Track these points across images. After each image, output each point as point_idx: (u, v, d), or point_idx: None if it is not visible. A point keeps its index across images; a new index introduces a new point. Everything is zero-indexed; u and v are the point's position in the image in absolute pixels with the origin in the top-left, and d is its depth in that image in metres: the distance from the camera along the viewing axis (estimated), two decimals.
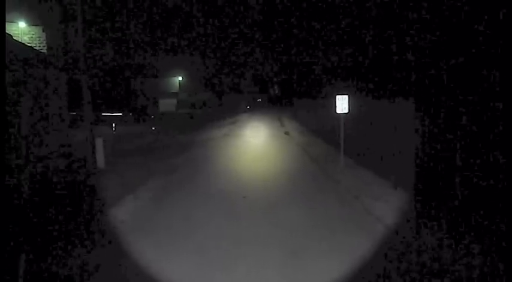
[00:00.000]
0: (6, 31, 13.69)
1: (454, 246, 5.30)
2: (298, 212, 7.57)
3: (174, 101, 48.88)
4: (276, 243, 5.96)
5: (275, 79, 47.59)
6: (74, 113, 11.02)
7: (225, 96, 53.68)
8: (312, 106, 23.74)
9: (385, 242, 5.86)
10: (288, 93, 40.49)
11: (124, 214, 7.60)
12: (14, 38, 10.84)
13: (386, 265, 5.07)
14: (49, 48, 16.00)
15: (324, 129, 18.23)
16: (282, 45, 39.52)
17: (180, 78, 51.23)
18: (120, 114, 35.40)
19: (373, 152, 10.80)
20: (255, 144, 19.23)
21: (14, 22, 15.89)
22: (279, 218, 7.19)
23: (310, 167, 12.60)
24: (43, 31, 16.25)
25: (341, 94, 12.61)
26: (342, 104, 12.39)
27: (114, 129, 25.03)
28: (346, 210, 7.67)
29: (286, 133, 23.31)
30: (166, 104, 46.49)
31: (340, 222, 6.86)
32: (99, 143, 11.93)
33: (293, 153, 15.81)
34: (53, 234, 6.27)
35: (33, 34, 16.24)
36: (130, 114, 37.43)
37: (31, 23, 15.71)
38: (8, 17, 15.68)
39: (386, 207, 7.50)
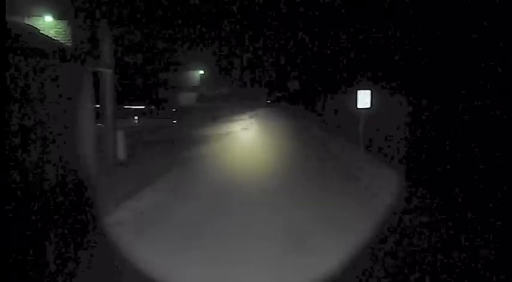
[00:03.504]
0: (33, 25, 14.04)
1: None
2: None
3: (194, 94, 49.24)
4: None
5: (294, 74, 47.16)
6: (99, 106, 11.23)
7: (245, 90, 53.77)
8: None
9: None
10: (309, 89, 39.55)
11: (142, 206, 7.77)
12: (41, 31, 11.08)
13: None
14: (74, 41, 16.34)
15: None
16: (303, 39, 39.24)
17: (202, 72, 51.52)
18: (143, 107, 35.89)
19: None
20: (274, 136, 19.28)
21: (41, 16, 16.27)
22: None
23: None
24: (68, 25, 16.60)
25: (363, 89, 12.57)
26: (364, 99, 12.35)
27: (136, 121, 25.42)
28: None
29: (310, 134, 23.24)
30: (187, 98, 46.83)
31: None
32: (120, 135, 12.17)
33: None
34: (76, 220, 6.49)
35: (59, 28, 16.61)
36: (152, 107, 37.89)
37: (57, 17, 16.05)
38: (34, 11, 16.09)
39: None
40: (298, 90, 46.61)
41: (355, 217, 6.92)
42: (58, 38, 14.84)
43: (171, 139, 17.91)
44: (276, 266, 5.04)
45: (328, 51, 30.87)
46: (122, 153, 12.09)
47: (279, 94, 54.70)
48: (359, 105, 12.35)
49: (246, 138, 19.06)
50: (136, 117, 25.97)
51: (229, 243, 5.88)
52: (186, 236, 6.21)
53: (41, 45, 8.51)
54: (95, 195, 8.13)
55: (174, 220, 6.96)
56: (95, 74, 10.44)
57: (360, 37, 23.68)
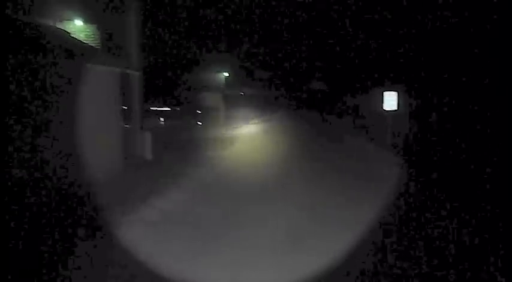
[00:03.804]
0: (63, 28, 14.50)
1: None
2: None
3: (219, 96, 49.58)
4: None
5: (318, 74, 46.74)
6: (126, 107, 11.54)
7: (269, 92, 53.77)
8: None
9: None
10: (335, 91, 38.45)
11: (167, 204, 7.94)
12: (72, 35, 11.47)
13: None
14: (103, 44, 16.78)
15: None
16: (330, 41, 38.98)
17: (226, 74, 51.86)
18: (168, 108, 36.35)
19: None
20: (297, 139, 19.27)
21: (71, 20, 16.77)
22: None
23: None
24: (98, 29, 17.06)
25: (389, 90, 12.53)
26: (390, 101, 12.31)
27: (162, 122, 25.84)
28: None
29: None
30: (212, 99, 47.20)
31: None
32: (147, 136, 12.45)
33: None
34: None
35: (88, 31, 17.08)
36: (178, 108, 38.33)
37: (87, 21, 16.49)
38: (64, 15, 16.59)
39: None
40: (322, 91, 46.17)
41: None
42: (87, 41, 15.25)
43: (196, 140, 18.15)
44: None
45: (351, 53, 30.69)
46: (148, 153, 12.35)
47: (303, 95, 54.44)
48: (385, 107, 12.30)
49: (269, 141, 19.13)
50: (161, 119, 26.38)
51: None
52: (206, 243, 6.35)
53: (72, 48, 8.82)
54: (122, 193, 8.37)
55: (198, 219, 7.10)
56: (123, 76, 10.74)
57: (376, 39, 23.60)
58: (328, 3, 36.27)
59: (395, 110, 13.05)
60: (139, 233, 6.34)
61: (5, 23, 7.72)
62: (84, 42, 12.50)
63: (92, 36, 17.15)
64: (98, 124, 9.03)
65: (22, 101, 6.36)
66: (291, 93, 53.04)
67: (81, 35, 15.74)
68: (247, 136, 19.99)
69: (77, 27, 16.59)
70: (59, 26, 15.25)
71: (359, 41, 28.90)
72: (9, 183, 6.06)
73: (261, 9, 47.20)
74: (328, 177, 10.49)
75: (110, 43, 16.50)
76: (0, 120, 5.97)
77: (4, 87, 6.06)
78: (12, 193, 6.11)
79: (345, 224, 6.51)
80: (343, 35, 33.34)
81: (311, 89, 48.41)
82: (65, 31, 11.63)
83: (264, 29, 49.21)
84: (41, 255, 5.34)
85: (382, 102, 13.29)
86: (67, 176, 7.28)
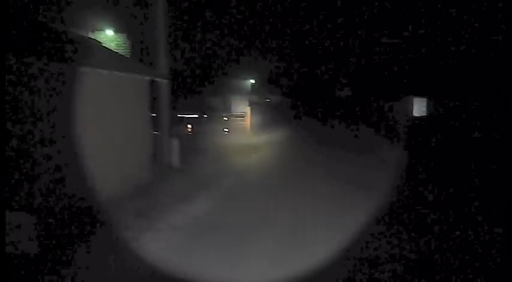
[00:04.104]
0: (95, 38, 14.90)
1: None
2: None
3: (246, 103, 49.75)
4: None
5: (343, 80, 46.28)
6: (154, 115, 11.73)
7: (296, 99, 53.63)
8: None
9: None
10: (362, 98, 37.64)
11: (195, 211, 8.01)
12: (104, 45, 11.81)
13: None
14: (133, 53, 17.17)
15: None
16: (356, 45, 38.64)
17: (252, 81, 52.07)
18: (196, 116, 36.74)
19: None
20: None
21: (102, 30, 17.27)
22: None
23: None
24: (128, 38, 17.48)
25: (419, 96, 12.39)
26: (420, 106, 12.19)
27: (189, 130, 26.09)
28: None
29: None
30: (239, 106, 47.48)
31: None
32: (175, 143, 12.60)
33: None
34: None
35: (119, 41, 17.54)
36: (205, 116, 38.70)
37: (118, 30, 16.94)
38: (97, 25, 17.10)
39: None
40: (349, 97, 45.56)
41: None
42: (118, 50, 15.65)
43: (223, 147, 18.25)
44: None
45: (378, 59, 30.36)
46: (176, 159, 12.50)
47: (329, 102, 54.02)
48: (415, 113, 12.14)
49: (295, 148, 19.07)
50: (189, 126, 26.66)
51: None
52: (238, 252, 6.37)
53: (109, 58, 9.06)
54: (152, 200, 8.50)
55: (226, 227, 7.13)
56: (151, 84, 10.93)
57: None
58: (353, 13, 36.09)
59: (424, 116, 12.83)
60: (167, 238, 6.43)
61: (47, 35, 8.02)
62: (114, 51, 12.82)
63: (122, 45, 17.61)
64: (128, 131, 9.21)
65: (51, 109, 6.55)
66: (318, 100, 52.83)
67: (111, 44, 16.18)
68: (273, 143, 19.98)
69: (108, 36, 17.06)
70: (92, 36, 15.73)
71: (386, 48, 28.58)
72: (43, 191, 6.25)
73: (289, 16, 47.31)
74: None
75: (139, 51, 16.86)
76: (32, 125, 6.17)
77: (34, 95, 6.27)
78: (45, 200, 6.30)
79: None
80: (370, 42, 33.03)
81: (338, 96, 47.98)
82: (97, 41, 11.96)
83: (290, 36, 49.28)
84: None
85: (412, 108, 13.08)
86: (97, 182, 7.44)
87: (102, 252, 5.72)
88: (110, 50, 11.61)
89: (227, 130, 27.16)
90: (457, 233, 6.64)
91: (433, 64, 20.04)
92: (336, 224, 7.08)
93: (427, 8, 21.66)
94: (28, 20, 9.18)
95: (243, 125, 31.78)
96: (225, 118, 38.74)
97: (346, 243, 5.91)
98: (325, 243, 6.01)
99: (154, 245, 6.13)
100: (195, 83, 46.56)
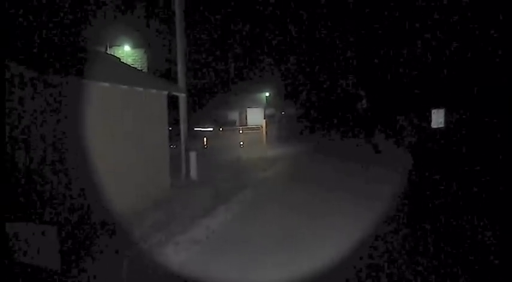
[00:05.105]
0: (114, 53, 15.15)
1: None
2: None
3: (261, 115, 49.90)
4: None
5: (362, 92, 46.05)
6: (170, 129, 11.80)
7: (311, 112, 53.55)
8: None
9: None
10: (378, 110, 36.73)
11: (216, 225, 7.98)
12: (122, 60, 12.00)
13: None
14: (150, 68, 17.39)
15: None
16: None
17: (267, 93, 52.24)
18: (211, 129, 36.94)
19: None
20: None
21: (120, 46, 17.59)
22: None
23: None
24: (145, 53, 17.74)
25: (436, 108, 12.25)
26: (438, 118, 12.04)
27: (205, 143, 26.19)
28: None
29: None
30: (254, 119, 47.61)
31: None
32: (192, 156, 12.65)
33: None
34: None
35: (136, 56, 17.82)
36: (220, 129, 38.88)
37: (135, 46, 17.21)
38: (115, 41, 17.43)
39: None
40: (365, 109, 45.24)
41: None
42: (135, 65, 15.88)
43: (238, 160, 18.25)
44: None
45: (394, 73, 30.25)
46: (194, 172, 12.53)
47: (345, 114, 53.74)
48: (433, 125, 12.01)
49: (310, 162, 18.98)
50: (205, 139, 26.81)
51: None
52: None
53: (129, 74, 9.17)
54: (171, 214, 8.50)
55: (245, 241, 7.07)
56: (168, 98, 11.02)
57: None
58: (370, 26, 36.22)
59: (442, 127, 12.66)
60: (188, 250, 6.41)
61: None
62: (132, 66, 13.00)
63: (139, 60, 17.88)
64: (146, 146, 9.27)
65: (69, 125, 6.63)
66: (334, 113, 52.63)
67: (129, 60, 16.45)
68: (288, 156, 19.91)
69: (126, 52, 17.35)
70: (110, 51, 16.02)
71: (402, 61, 28.53)
72: (60, 204, 6.30)
73: (304, 30, 47.60)
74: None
75: (156, 66, 17.07)
76: (51, 140, 6.24)
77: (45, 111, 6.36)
78: (63, 214, 6.34)
79: None
80: (388, 56, 32.99)
81: (355, 108, 47.68)
82: (115, 57, 12.16)
83: (306, 49, 49.47)
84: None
85: (430, 119, 12.93)
86: (116, 196, 7.48)
87: (119, 266, 5.71)
88: (128, 65, 11.78)
89: (242, 143, 27.19)
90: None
91: (451, 76, 19.94)
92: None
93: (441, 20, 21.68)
94: (47, 37, 9.39)
95: (259, 137, 31.78)
96: (240, 131, 38.93)
97: None
98: None
99: (175, 258, 6.12)
100: (211, 96, 47.02)
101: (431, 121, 12.15)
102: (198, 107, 41.98)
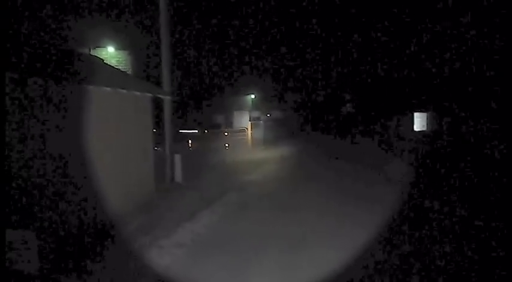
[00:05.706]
0: (97, 55, 14.98)
1: None
2: None
3: (246, 118, 49.93)
4: None
5: (347, 96, 46.38)
6: (155, 130, 11.68)
7: (297, 115, 53.75)
8: None
9: None
10: (364, 114, 37.01)
11: (200, 228, 7.91)
12: (105, 62, 11.83)
13: None
14: (133, 70, 17.24)
15: None
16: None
17: (253, 96, 52.31)
18: (196, 131, 36.82)
19: None
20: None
21: (104, 47, 17.39)
22: None
23: None
24: (129, 55, 17.58)
25: (419, 111, 12.37)
26: (420, 121, 12.16)
27: (190, 146, 26.08)
28: None
29: None
30: (239, 122, 47.62)
31: None
32: (177, 159, 12.55)
33: None
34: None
35: (119, 57, 17.65)
36: (206, 131, 38.78)
37: (119, 47, 17.05)
38: (99, 42, 17.23)
39: None
40: (351, 113, 45.52)
41: None
42: (119, 67, 15.72)
43: (223, 162, 18.21)
44: None
45: (380, 76, 30.55)
46: (179, 175, 12.44)
47: (331, 117, 54.08)
48: (416, 128, 12.13)
49: (295, 165, 19.02)
50: (190, 141, 26.72)
51: None
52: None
53: (115, 77, 9.05)
54: (155, 217, 8.41)
55: (230, 243, 7.03)
56: (153, 100, 10.92)
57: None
58: (355, 29, 36.53)
59: (425, 131, 12.80)
60: (172, 254, 6.34)
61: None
62: (116, 68, 12.85)
63: (123, 61, 17.72)
64: (131, 148, 9.16)
65: (53, 127, 6.52)
66: (319, 116, 52.93)
67: (112, 61, 16.27)
68: (274, 159, 19.91)
69: (109, 53, 17.17)
70: (93, 53, 15.83)
71: (387, 65, 28.81)
72: (44, 207, 6.18)
73: (291, 31, 47.80)
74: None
75: (140, 68, 16.93)
76: (34, 143, 6.13)
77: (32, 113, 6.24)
78: (46, 217, 6.22)
79: None
80: (374, 58, 33.30)
81: (339, 111, 48.01)
82: (99, 58, 12.00)
83: (292, 52, 49.65)
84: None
85: (412, 123, 13.06)
86: (100, 199, 7.37)
87: (106, 269, 5.64)
88: (112, 66, 11.63)
89: (228, 145, 27.16)
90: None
91: (433, 79, 20.19)
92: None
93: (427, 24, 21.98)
94: (30, 39, 9.22)
95: (244, 140, 31.77)
96: (225, 133, 38.85)
97: None
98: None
99: (159, 261, 6.06)
100: (196, 99, 46.90)
101: (414, 124, 12.24)
102: (184, 110, 41.83)
